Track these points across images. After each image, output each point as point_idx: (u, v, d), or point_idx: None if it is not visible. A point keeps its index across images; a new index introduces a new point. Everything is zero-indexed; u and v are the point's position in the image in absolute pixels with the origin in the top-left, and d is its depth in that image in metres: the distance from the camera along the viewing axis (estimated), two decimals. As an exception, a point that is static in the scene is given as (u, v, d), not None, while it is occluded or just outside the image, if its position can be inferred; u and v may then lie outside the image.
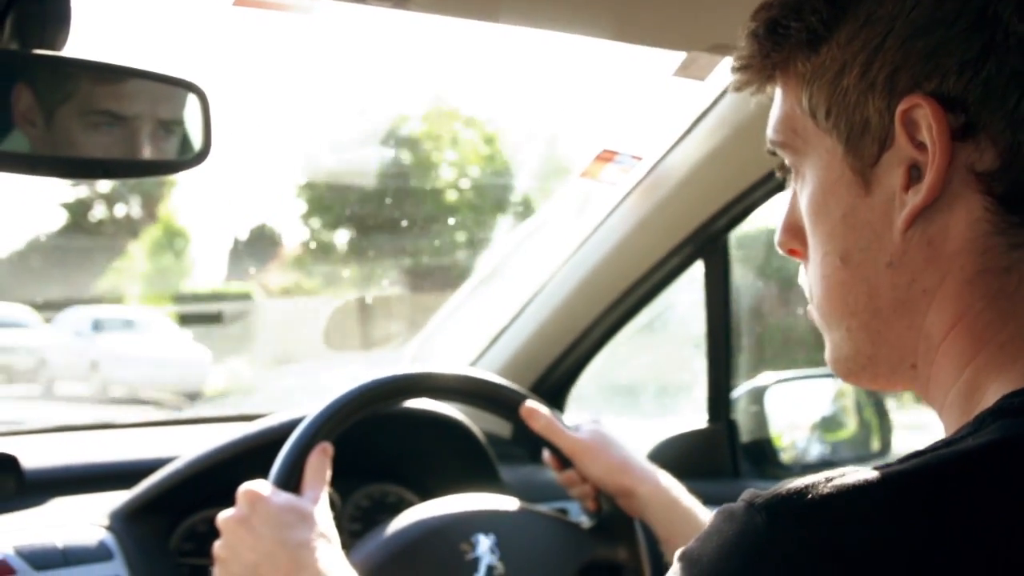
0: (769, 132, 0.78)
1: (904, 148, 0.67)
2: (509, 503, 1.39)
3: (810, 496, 0.58)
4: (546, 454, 1.44)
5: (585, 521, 1.43)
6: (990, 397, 0.65)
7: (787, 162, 0.78)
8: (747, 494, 0.60)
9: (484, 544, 1.30)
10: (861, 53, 0.68)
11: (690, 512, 1.34)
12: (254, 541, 1.13)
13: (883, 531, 0.55)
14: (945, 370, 0.69)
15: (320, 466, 1.23)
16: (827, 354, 0.78)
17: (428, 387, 1.40)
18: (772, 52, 0.74)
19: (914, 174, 0.67)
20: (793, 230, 0.79)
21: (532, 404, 1.41)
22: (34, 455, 1.53)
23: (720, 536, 0.60)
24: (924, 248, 0.68)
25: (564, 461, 1.41)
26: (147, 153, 1.05)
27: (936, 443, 0.61)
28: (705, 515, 1.33)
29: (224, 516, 1.18)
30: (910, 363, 0.72)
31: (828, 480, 0.58)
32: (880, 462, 0.60)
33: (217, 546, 1.17)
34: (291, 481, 1.22)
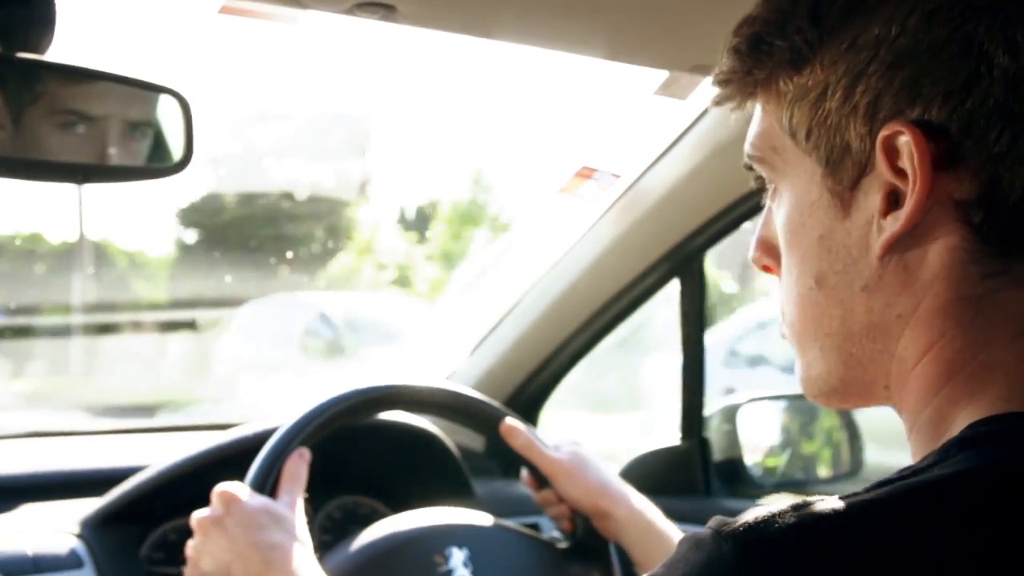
0: (747, 147, 0.78)
1: (884, 174, 0.67)
2: (484, 518, 1.39)
3: (777, 525, 0.58)
4: (524, 473, 1.44)
5: (560, 541, 1.43)
6: (958, 425, 0.65)
7: (765, 177, 0.78)
8: (714, 522, 0.60)
9: (458, 557, 1.29)
10: (845, 77, 0.68)
11: (665, 535, 1.34)
12: (227, 542, 1.13)
13: (849, 561, 0.56)
14: (916, 395, 0.70)
15: (297, 471, 1.23)
16: (798, 374, 0.78)
17: (407, 399, 1.40)
18: (754, 69, 0.74)
19: (893, 200, 0.67)
20: (767, 246, 0.79)
21: (512, 422, 1.41)
22: (3, 461, 1.52)
23: (687, 564, 0.60)
24: (900, 274, 0.68)
25: (542, 480, 1.41)
26: (122, 157, 1.05)
27: (903, 471, 0.61)
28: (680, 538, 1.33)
29: (198, 516, 1.17)
30: (883, 384, 0.72)
31: (795, 509, 0.58)
32: (852, 481, 0.60)
33: (190, 545, 1.17)
34: (267, 484, 1.22)
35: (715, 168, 1.60)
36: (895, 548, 0.56)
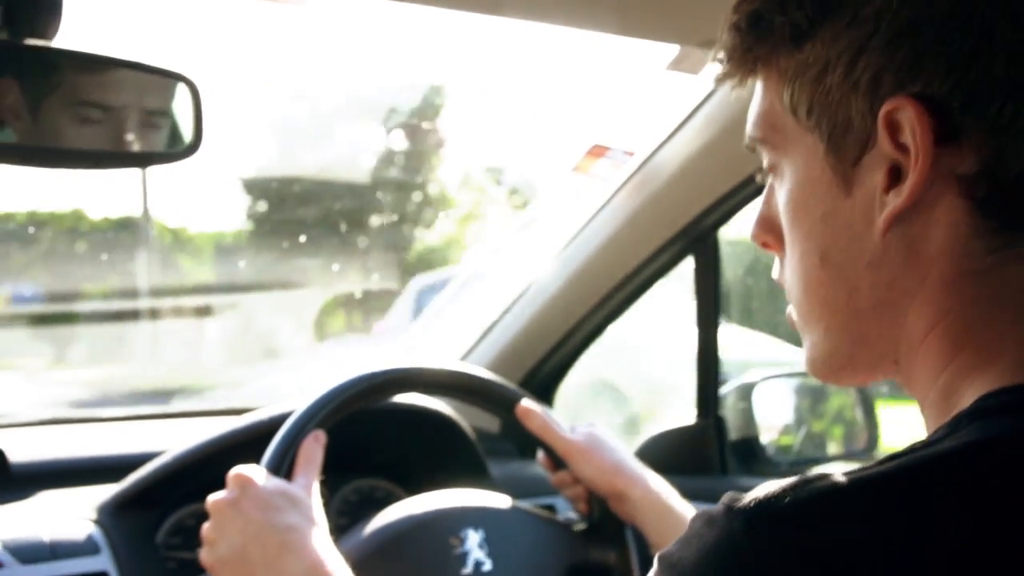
0: (749, 128, 0.77)
1: (886, 149, 0.67)
2: (499, 500, 1.39)
3: (788, 500, 0.58)
4: (540, 454, 1.44)
5: (574, 520, 1.43)
6: (968, 398, 0.65)
7: (766, 159, 0.78)
8: (726, 498, 0.60)
9: (473, 539, 1.30)
10: (845, 52, 0.68)
11: (682, 517, 1.34)
12: (243, 523, 1.13)
13: (860, 534, 0.55)
14: (925, 370, 0.70)
15: (313, 453, 1.24)
16: (805, 354, 0.78)
17: (423, 382, 1.40)
18: (754, 46, 0.74)
19: (895, 175, 0.67)
20: (768, 224, 0.79)
21: (528, 403, 1.41)
22: (21, 448, 1.52)
23: (699, 540, 0.60)
24: (904, 250, 0.68)
25: (558, 462, 1.41)
26: (136, 144, 1.05)
27: (914, 444, 0.61)
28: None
29: (214, 498, 1.18)
30: (892, 359, 0.72)
31: (806, 483, 0.58)
32: (867, 458, 0.60)
33: (206, 528, 1.17)
34: (283, 467, 1.22)
35: (728, 144, 1.59)
36: (906, 521, 0.56)
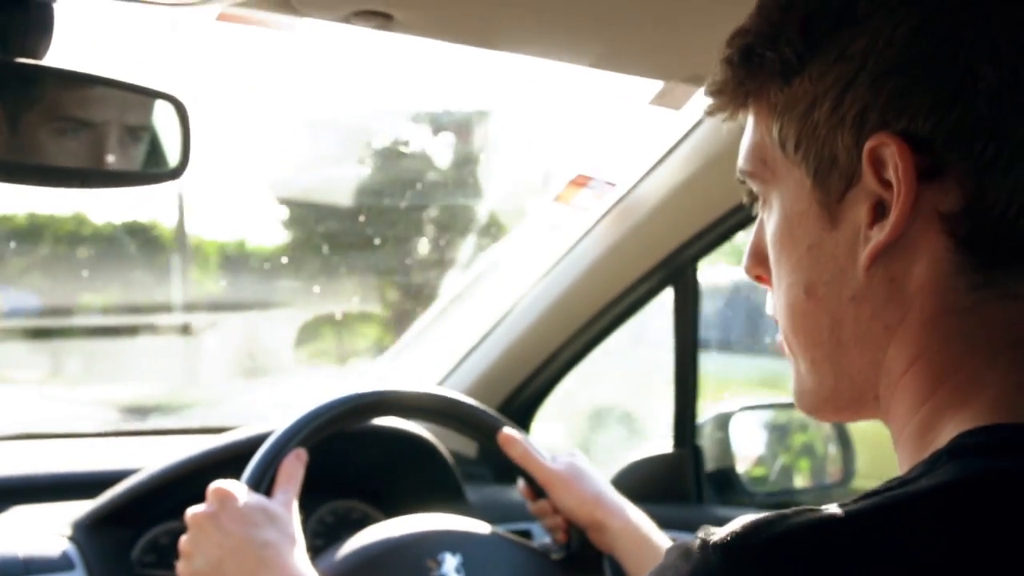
0: (740, 161, 0.78)
1: (870, 185, 0.67)
2: (478, 525, 1.39)
3: (764, 535, 0.58)
4: (520, 483, 1.44)
5: (554, 551, 1.43)
6: (945, 436, 0.65)
7: (755, 191, 0.78)
8: (702, 531, 0.60)
9: (450, 563, 1.30)
10: (833, 88, 0.69)
11: (660, 549, 1.34)
12: (221, 538, 1.13)
13: (835, 571, 0.56)
14: (903, 405, 0.70)
15: (293, 471, 1.24)
16: (792, 387, 0.79)
17: (405, 405, 1.41)
18: (745, 80, 0.74)
19: (879, 211, 0.68)
20: (759, 256, 0.80)
21: (509, 431, 1.41)
22: (-4, 463, 1.52)
23: (675, 573, 0.60)
24: (886, 285, 0.69)
25: (538, 490, 1.41)
26: (119, 162, 1.05)
27: (891, 482, 0.61)
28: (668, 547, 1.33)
29: (193, 512, 1.18)
30: (872, 395, 0.73)
31: (783, 518, 0.59)
32: (843, 490, 0.61)
33: (183, 541, 1.17)
34: (263, 483, 1.22)
35: (709, 178, 1.61)
36: (883, 559, 0.56)
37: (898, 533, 0.57)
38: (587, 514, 1.37)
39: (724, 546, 0.58)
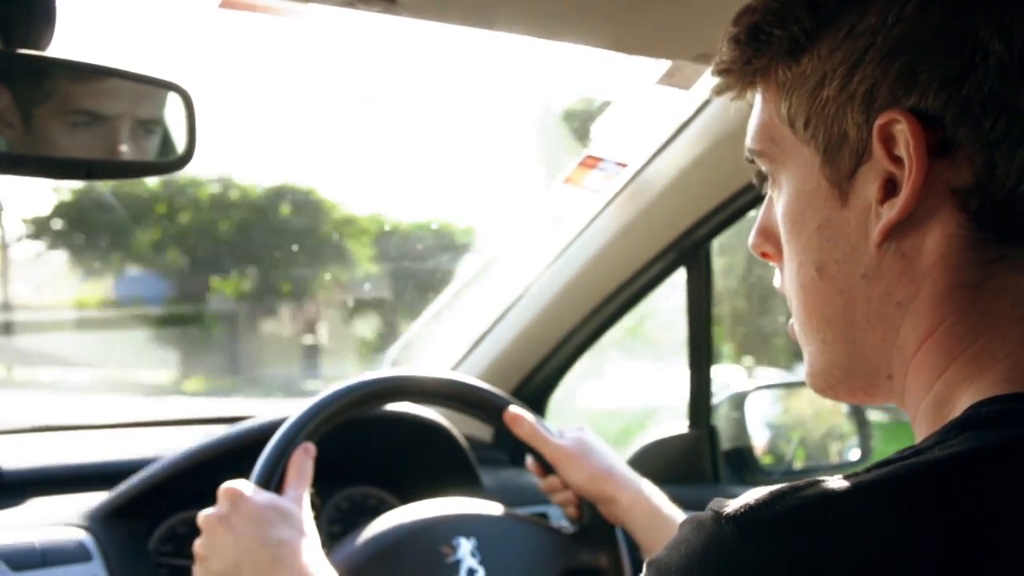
0: (748, 141, 0.78)
1: (881, 162, 0.67)
2: (491, 507, 1.39)
3: (777, 506, 0.58)
4: (529, 460, 1.44)
5: (567, 527, 1.43)
6: (960, 408, 0.65)
7: (764, 170, 0.78)
8: (715, 503, 0.60)
9: (465, 547, 1.30)
10: (841, 66, 0.69)
11: (671, 520, 1.35)
12: (234, 539, 1.14)
13: (848, 541, 0.56)
14: (918, 381, 0.70)
15: (302, 466, 1.24)
16: (805, 368, 0.79)
17: (413, 391, 1.41)
18: (753, 58, 0.74)
19: (890, 188, 0.68)
20: (767, 234, 0.80)
21: (516, 410, 1.41)
22: (12, 455, 1.52)
23: (688, 545, 0.60)
24: (898, 261, 0.69)
25: (547, 467, 1.41)
26: (129, 153, 1.05)
27: (903, 452, 0.61)
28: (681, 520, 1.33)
29: (205, 514, 1.18)
30: (886, 374, 0.73)
31: (795, 490, 0.59)
32: (860, 468, 0.60)
33: (197, 544, 1.17)
34: (272, 480, 1.22)
35: (719, 157, 1.60)
36: (894, 528, 0.56)
37: (910, 503, 0.57)
38: (597, 488, 1.37)
39: (737, 517, 0.58)
